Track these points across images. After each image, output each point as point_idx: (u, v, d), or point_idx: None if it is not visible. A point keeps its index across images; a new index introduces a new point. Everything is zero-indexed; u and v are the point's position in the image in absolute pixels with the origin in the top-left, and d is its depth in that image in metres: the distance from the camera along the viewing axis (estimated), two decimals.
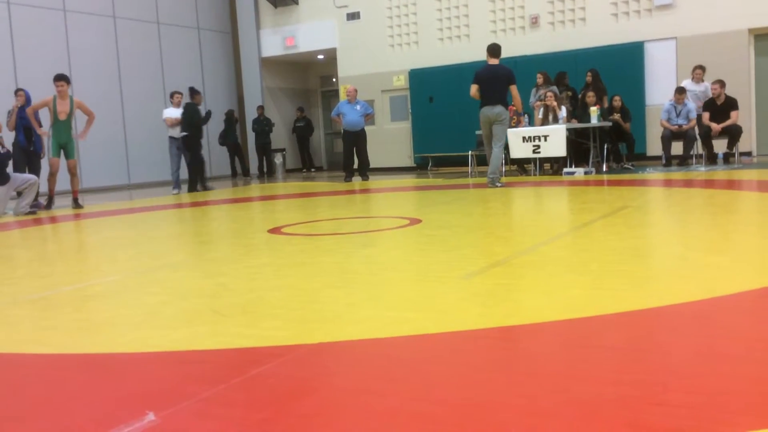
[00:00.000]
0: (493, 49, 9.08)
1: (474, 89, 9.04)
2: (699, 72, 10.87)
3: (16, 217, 8.38)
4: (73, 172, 9.45)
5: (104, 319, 2.90)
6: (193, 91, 11.49)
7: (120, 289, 3.50)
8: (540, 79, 11.25)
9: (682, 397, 1.67)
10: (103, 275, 3.96)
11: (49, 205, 9.27)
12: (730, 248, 3.73)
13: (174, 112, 11.64)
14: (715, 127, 10.30)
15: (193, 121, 11.26)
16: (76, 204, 9.36)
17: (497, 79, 8.86)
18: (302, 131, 16.14)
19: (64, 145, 9.25)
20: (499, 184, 8.79)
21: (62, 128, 9.19)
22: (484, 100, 8.98)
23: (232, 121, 15.83)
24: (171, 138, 11.65)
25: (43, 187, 9.55)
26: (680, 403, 1.63)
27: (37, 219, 8.13)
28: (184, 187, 12.09)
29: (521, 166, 11.05)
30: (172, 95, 11.94)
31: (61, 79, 9.11)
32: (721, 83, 10.39)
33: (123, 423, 1.69)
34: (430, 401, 1.74)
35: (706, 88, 10.76)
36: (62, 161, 9.42)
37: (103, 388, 2.00)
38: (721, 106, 10.39)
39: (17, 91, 9.71)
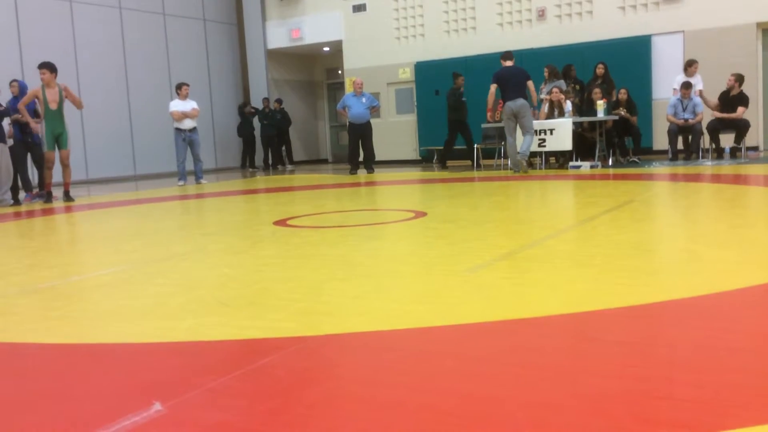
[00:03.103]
0: (505, 55, 10.24)
1: (492, 89, 10.13)
2: (696, 66, 10.85)
3: (13, 208, 8.42)
4: (65, 164, 9.16)
5: (111, 309, 2.91)
6: (455, 75, 12.51)
7: (127, 280, 3.52)
8: (546, 72, 11.21)
9: (687, 391, 1.67)
10: (110, 266, 3.98)
11: (48, 198, 9.13)
12: (736, 243, 3.73)
13: (180, 105, 11.60)
14: (714, 105, 10.30)
15: (455, 105, 12.35)
16: (68, 197, 9.17)
17: (516, 77, 9.91)
18: (279, 124, 16.04)
19: (58, 136, 8.99)
20: (524, 164, 9.74)
21: (54, 118, 8.93)
22: (505, 96, 9.99)
23: (244, 113, 15.84)
24: (177, 129, 11.61)
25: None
26: (686, 397, 1.63)
27: (44, 210, 8.16)
28: (190, 178, 12.11)
29: (527, 159, 11.01)
30: (179, 87, 11.79)
31: (43, 66, 8.87)
32: (738, 77, 10.33)
33: (130, 413, 1.70)
34: (435, 393, 1.74)
35: (697, 81, 10.79)
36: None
37: (109, 378, 2.01)
38: (731, 99, 10.35)
39: (12, 81, 9.63)
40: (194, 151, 11.79)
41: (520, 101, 9.83)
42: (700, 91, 10.65)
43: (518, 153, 9.88)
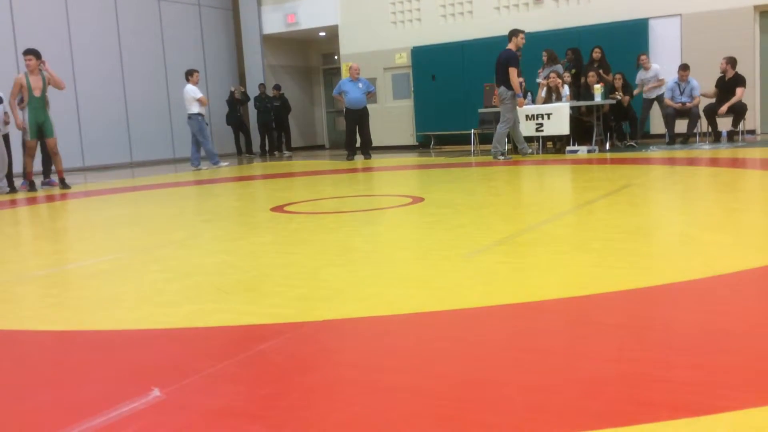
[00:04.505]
0: (508, 34, 9.88)
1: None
2: (644, 58, 11.04)
3: (9, 196, 8.40)
4: (54, 151, 9.03)
5: (109, 296, 2.91)
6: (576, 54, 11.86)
7: (124, 267, 3.52)
8: (545, 57, 11.16)
9: (684, 373, 1.68)
10: (107, 253, 3.98)
11: (32, 187, 9.00)
12: (732, 226, 3.73)
13: (196, 91, 11.70)
14: (722, 110, 10.28)
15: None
16: (64, 184, 9.11)
17: (499, 62, 9.72)
18: (278, 111, 15.99)
19: (42, 124, 8.84)
20: (501, 158, 9.64)
21: (38, 106, 8.79)
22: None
23: (234, 99, 15.75)
24: (200, 115, 11.76)
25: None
26: (682, 380, 1.64)
27: (40, 197, 8.14)
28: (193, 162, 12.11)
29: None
30: (191, 73, 11.85)
31: (30, 53, 8.75)
32: (728, 60, 10.32)
33: (128, 399, 1.70)
34: (433, 377, 1.75)
35: (656, 71, 10.93)
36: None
37: (108, 365, 2.02)
38: (728, 83, 10.34)
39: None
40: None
41: (501, 89, 9.69)
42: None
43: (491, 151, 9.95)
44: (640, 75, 11.08)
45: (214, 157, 11.98)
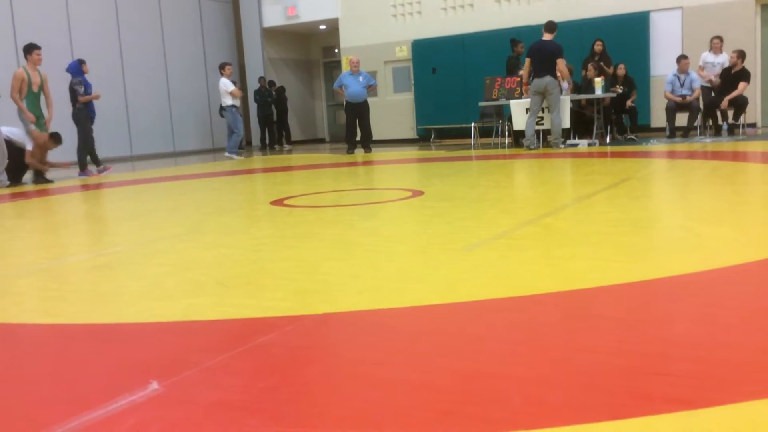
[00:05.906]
0: (547, 26, 9.95)
1: (527, 63, 10.08)
2: (717, 42, 10.74)
3: (9, 189, 8.39)
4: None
5: (109, 289, 2.91)
6: (514, 42, 11.83)
7: (124, 260, 3.52)
8: None
9: (682, 366, 1.68)
10: (108, 246, 3.98)
11: (37, 180, 9.02)
12: (732, 220, 3.73)
13: (228, 84, 11.93)
14: (723, 103, 10.24)
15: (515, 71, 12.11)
16: (44, 179, 9.13)
17: (544, 53, 9.73)
18: (278, 104, 15.98)
19: (38, 119, 8.84)
20: (562, 146, 9.84)
21: (36, 101, 8.81)
22: (534, 72, 9.86)
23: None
24: (234, 107, 11.97)
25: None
26: (681, 373, 1.64)
27: (40, 191, 8.13)
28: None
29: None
30: (223, 66, 12.12)
31: (39, 48, 8.77)
32: (739, 53, 10.27)
33: (127, 392, 1.70)
34: (431, 371, 1.75)
35: (725, 59, 10.65)
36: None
37: (107, 358, 2.02)
38: (733, 76, 10.31)
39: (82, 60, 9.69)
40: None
41: (547, 78, 9.67)
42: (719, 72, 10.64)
43: (551, 142, 9.94)
44: (706, 57, 10.77)
45: (231, 150, 12.29)
